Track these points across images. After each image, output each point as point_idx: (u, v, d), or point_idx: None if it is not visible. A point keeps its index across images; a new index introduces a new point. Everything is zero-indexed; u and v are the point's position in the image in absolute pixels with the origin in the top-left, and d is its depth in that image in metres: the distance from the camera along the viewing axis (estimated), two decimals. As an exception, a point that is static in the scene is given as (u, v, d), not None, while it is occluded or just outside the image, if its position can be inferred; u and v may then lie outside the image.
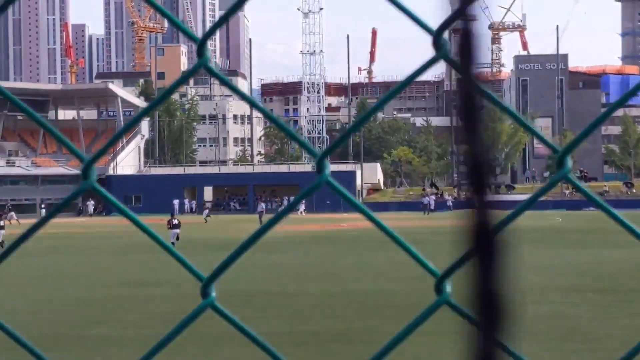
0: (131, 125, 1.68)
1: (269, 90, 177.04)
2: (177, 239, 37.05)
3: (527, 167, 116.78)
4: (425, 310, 1.35)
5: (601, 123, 1.48)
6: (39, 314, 17.69)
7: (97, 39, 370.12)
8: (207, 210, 73.54)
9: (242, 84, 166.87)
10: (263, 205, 68.16)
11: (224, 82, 1.44)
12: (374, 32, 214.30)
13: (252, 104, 1.66)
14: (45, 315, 17.28)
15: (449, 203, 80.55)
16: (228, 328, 1.56)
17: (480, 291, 0.82)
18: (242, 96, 1.56)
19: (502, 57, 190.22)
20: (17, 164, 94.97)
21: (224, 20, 1.51)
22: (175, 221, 38.51)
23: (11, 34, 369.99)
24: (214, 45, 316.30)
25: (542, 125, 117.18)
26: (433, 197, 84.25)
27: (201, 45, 1.41)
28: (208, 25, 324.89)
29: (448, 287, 1.38)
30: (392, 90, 1.40)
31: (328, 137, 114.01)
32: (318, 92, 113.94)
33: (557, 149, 1.38)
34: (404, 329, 1.40)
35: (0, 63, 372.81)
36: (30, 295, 20.82)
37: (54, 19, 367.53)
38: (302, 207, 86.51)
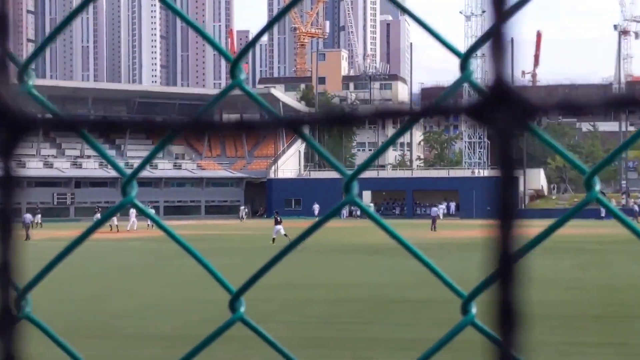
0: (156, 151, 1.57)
1: (429, 94, 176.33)
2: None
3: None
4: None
5: (629, 146, 1.27)
6: (189, 314, 18.08)
7: (261, 44, 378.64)
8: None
9: (403, 89, 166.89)
10: (437, 209, 67.59)
11: (258, 102, 1.31)
12: (538, 35, 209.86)
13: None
14: (195, 316, 17.63)
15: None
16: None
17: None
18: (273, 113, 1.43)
19: None
20: (184, 167, 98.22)
21: (256, 40, 1.37)
22: (279, 218, 44.58)
23: (179, 41, 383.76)
24: (375, 50, 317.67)
25: None
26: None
27: (234, 66, 1.27)
28: (369, 30, 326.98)
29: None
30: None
31: (489, 142, 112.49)
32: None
33: (586, 170, 1.22)
34: None
35: (169, 69, 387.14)
36: (183, 295, 21.30)
37: (219, 25, 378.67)
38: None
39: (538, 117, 0.76)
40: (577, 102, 0.78)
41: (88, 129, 0.84)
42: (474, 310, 1.35)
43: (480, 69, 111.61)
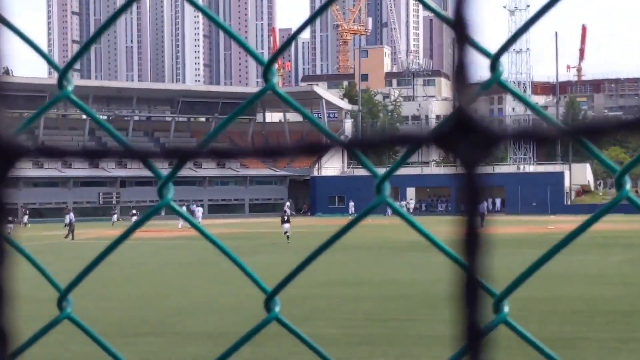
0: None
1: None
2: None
3: None
4: None
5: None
6: (240, 311, 18.13)
7: (303, 42, 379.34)
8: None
9: (446, 84, 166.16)
10: (484, 205, 67.59)
11: (291, 105, 1.32)
12: (583, 29, 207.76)
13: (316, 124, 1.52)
14: (246, 313, 17.66)
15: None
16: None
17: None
18: (312, 120, 1.43)
19: None
20: (227, 166, 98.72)
21: (291, 40, 1.37)
22: (286, 217, 46.35)
23: (222, 40, 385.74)
24: (417, 46, 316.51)
25: None
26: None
27: (267, 70, 1.28)
28: (412, 26, 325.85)
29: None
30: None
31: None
32: (524, 91, 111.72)
33: (616, 169, 1.23)
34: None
35: (212, 68, 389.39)
36: (234, 292, 21.34)
37: (262, 24, 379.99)
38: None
39: (500, 145, 0.80)
40: (535, 132, 0.80)
41: (77, 157, 0.87)
42: (506, 308, 1.36)
43: (525, 64, 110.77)
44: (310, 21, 1.34)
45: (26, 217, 73.77)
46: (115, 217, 77.41)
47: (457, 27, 0.74)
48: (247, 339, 1.47)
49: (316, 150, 0.84)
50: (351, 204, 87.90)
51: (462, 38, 0.75)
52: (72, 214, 56.62)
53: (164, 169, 1.49)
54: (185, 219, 1.48)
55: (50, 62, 1.66)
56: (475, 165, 0.77)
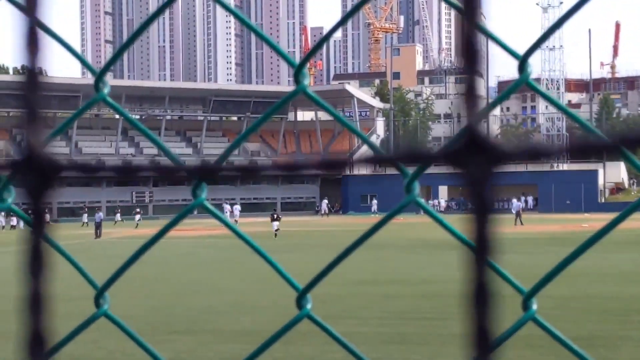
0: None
1: (505, 87, 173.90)
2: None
3: None
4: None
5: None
6: (270, 310, 18.18)
7: (335, 41, 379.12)
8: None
9: (479, 82, 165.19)
10: (519, 203, 66.93)
11: (322, 107, 1.34)
12: (617, 25, 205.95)
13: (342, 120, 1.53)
14: (276, 311, 17.70)
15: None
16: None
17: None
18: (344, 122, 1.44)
19: None
20: (259, 164, 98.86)
21: (322, 43, 1.39)
22: (275, 215, 50.81)
23: (253, 39, 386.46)
24: (450, 44, 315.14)
25: None
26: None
27: (298, 71, 1.30)
28: (444, 23, 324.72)
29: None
30: None
31: (568, 134, 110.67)
32: (558, 89, 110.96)
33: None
34: None
35: (244, 67, 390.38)
36: (265, 290, 21.40)
37: (293, 22, 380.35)
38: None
39: (509, 163, 0.82)
40: (543, 150, 0.82)
41: (112, 172, 0.90)
42: (534, 306, 1.37)
43: (558, 61, 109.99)
44: (341, 24, 1.36)
45: (47, 215, 74.90)
46: (118, 215, 79.09)
47: (465, 54, 0.76)
48: (279, 336, 1.49)
49: (339, 167, 0.87)
50: (374, 202, 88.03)
51: (471, 62, 0.77)
52: (100, 213, 57.16)
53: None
54: (218, 218, 1.50)
55: (86, 65, 1.70)
56: (485, 183, 0.79)
